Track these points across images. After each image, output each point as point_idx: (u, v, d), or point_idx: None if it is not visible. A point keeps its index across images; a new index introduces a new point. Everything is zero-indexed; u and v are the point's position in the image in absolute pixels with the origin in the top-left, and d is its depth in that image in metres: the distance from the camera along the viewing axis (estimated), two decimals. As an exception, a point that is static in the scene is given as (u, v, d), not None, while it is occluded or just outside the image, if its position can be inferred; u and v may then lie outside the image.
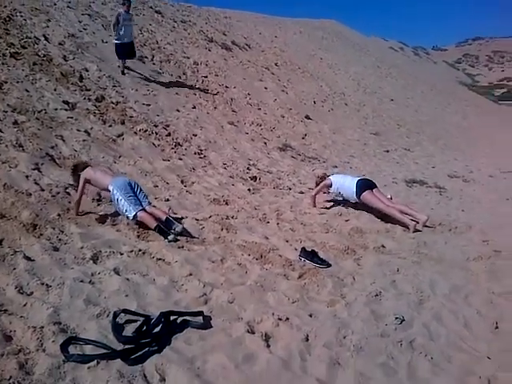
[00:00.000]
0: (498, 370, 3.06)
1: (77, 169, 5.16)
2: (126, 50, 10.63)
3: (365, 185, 6.33)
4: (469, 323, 3.69)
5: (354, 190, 6.29)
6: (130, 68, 11.01)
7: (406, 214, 6.01)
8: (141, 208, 4.79)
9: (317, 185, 6.73)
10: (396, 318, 3.57)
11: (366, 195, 6.22)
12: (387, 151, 13.45)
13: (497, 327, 3.65)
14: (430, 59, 77.16)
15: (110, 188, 4.85)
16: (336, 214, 6.32)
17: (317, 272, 4.28)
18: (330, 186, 6.54)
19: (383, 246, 5.28)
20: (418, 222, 5.90)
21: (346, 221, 6.09)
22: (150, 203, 5.02)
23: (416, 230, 5.79)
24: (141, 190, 5.06)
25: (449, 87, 45.17)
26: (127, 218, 4.77)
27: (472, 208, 7.65)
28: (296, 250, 4.79)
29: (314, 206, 6.55)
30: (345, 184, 6.42)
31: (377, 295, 3.97)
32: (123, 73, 10.55)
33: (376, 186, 6.40)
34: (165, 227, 4.68)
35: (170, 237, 4.54)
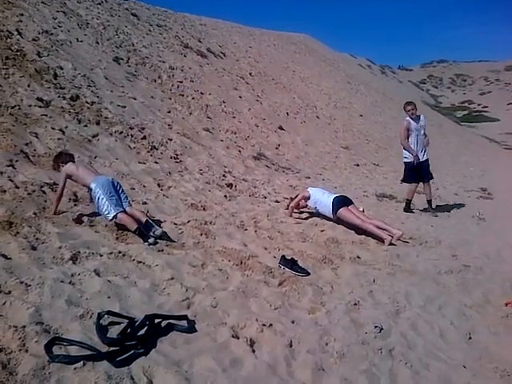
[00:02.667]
0: (473, 378, 3.18)
1: (60, 158, 5.05)
2: (421, 173, 8.40)
3: (341, 202, 6.45)
4: (444, 333, 3.81)
5: (331, 207, 6.41)
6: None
7: (382, 228, 6.14)
8: (121, 210, 4.73)
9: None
10: (375, 327, 3.64)
11: (342, 212, 6.32)
12: (357, 165, 13.74)
13: (470, 338, 3.79)
14: (396, 78, 79.47)
15: (93, 186, 4.75)
16: (312, 224, 6.41)
17: (296, 280, 4.33)
18: (308, 198, 6.63)
19: (358, 257, 5.38)
20: (392, 237, 6.04)
21: (322, 231, 6.17)
22: (130, 204, 4.96)
23: (391, 244, 5.93)
24: (122, 190, 5.00)
25: (414, 106, 46.52)
26: (106, 218, 4.68)
27: (440, 224, 7.89)
28: (275, 257, 4.82)
29: (291, 216, 6.61)
30: (322, 200, 6.53)
31: (355, 304, 4.04)
32: (408, 209, 8.29)
33: (352, 203, 6.53)
34: (144, 230, 4.63)
35: (151, 240, 4.49)
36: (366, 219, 6.30)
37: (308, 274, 4.55)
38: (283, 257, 4.67)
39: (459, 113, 69.42)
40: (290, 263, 4.57)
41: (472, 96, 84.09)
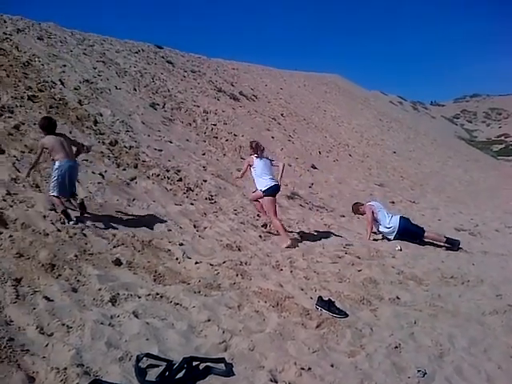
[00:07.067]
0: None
1: (44, 124, 5.77)
2: None
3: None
4: (491, 378, 3.62)
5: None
6: None
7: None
8: (64, 196, 5.60)
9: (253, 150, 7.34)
10: (418, 371, 3.50)
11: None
12: (393, 202, 13.54)
13: (520, 383, 3.59)
14: (429, 114, 79.02)
15: (56, 165, 5.49)
16: (348, 264, 6.30)
17: (334, 322, 4.23)
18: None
19: (398, 298, 5.23)
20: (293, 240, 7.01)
21: (359, 271, 6.06)
22: (76, 195, 5.77)
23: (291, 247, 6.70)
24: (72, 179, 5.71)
25: (448, 141, 46.01)
26: (48, 192, 5.51)
27: (481, 262, 7.62)
28: (311, 298, 4.75)
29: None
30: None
31: (396, 347, 3.91)
32: None
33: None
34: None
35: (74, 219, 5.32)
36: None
37: (346, 315, 4.45)
38: (320, 298, 4.60)
39: (496, 147, 68.06)
40: (328, 304, 4.49)
41: (508, 129, 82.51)
